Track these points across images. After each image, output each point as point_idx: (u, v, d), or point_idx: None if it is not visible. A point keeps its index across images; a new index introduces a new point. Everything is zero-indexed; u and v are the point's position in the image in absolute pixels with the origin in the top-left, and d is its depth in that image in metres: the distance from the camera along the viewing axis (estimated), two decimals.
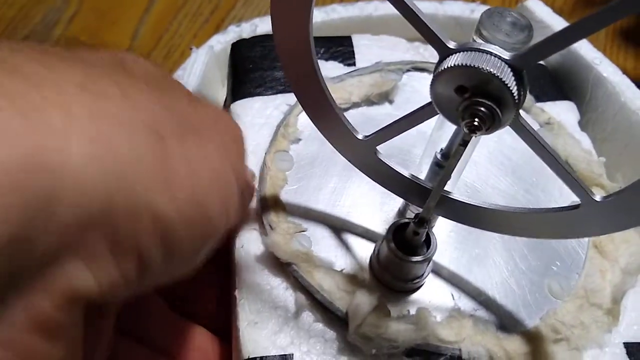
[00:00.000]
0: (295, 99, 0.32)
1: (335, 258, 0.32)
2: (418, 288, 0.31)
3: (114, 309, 0.22)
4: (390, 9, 0.49)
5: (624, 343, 0.32)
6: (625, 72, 0.41)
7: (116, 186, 0.16)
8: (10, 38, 0.49)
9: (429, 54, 0.42)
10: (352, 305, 0.29)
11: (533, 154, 0.37)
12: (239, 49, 0.41)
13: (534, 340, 0.30)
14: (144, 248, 0.17)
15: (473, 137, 0.24)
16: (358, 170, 0.34)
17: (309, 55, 0.26)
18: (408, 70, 0.39)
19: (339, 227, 0.33)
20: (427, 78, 0.39)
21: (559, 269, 0.33)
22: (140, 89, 0.18)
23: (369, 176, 0.30)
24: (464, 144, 0.25)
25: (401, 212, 0.33)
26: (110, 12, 0.52)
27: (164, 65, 0.50)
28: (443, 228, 0.33)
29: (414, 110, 0.26)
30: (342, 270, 0.31)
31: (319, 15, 0.45)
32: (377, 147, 0.29)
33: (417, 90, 0.39)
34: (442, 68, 0.23)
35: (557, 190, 0.36)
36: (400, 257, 0.29)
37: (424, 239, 0.30)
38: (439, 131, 0.30)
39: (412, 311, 0.30)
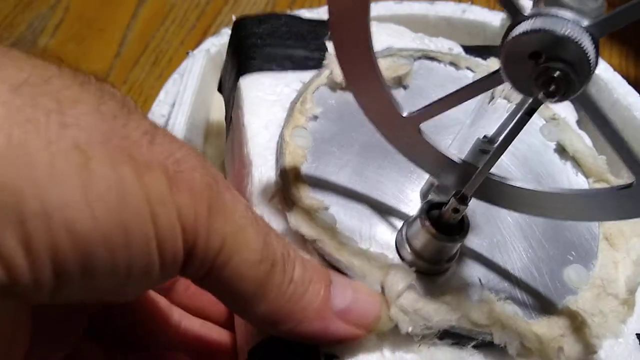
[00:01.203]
0: (310, 76, 0.31)
1: (359, 237, 0.30)
2: (446, 271, 0.30)
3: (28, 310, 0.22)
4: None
5: (637, 334, 0.32)
6: None
7: (27, 187, 0.17)
8: None
9: (434, 46, 0.42)
10: (387, 280, 0.28)
11: (540, 147, 0.37)
12: (245, 25, 0.39)
13: (559, 326, 0.30)
14: (58, 257, 0.18)
15: (545, 105, 0.24)
16: (377, 149, 0.33)
17: (364, 22, 0.25)
18: (419, 58, 0.39)
19: (361, 206, 0.31)
20: (438, 67, 0.39)
21: (575, 258, 0.33)
22: (86, 111, 0.19)
23: (405, 154, 0.29)
24: (530, 112, 0.24)
25: (424, 193, 0.33)
26: (96, 20, 0.52)
27: (152, 72, 0.49)
28: (470, 214, 0.33)
29: (471, 83, 0.26)
30: (368, 249, 0.29)
31: None
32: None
33: (429, 78, 0.38)
34: (519, 32, 0.22)
35: (565, 180, 0.36)
36: (437, 237, 0.28)
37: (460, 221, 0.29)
38: (470, 128, 0.30)
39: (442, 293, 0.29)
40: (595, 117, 0.24)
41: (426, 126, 0.27)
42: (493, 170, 0.26)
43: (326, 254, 0.29)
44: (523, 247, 0.33)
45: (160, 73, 0.48)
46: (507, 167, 0.36)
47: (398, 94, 0.37)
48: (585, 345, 0.30)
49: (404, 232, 0.30)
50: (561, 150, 0.37)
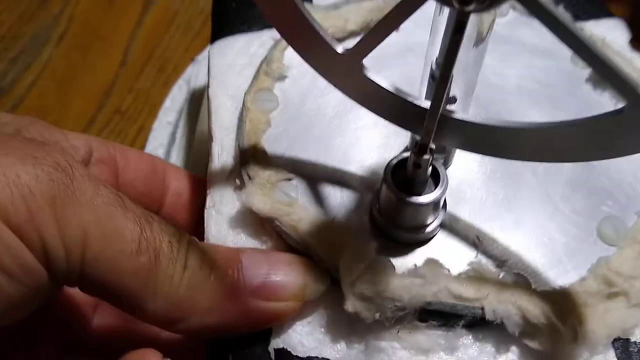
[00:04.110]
0: None
1: (328, 209, 0.26)
2: (428, 239, 0.25)
3: None
4: None
5: None
6: None
7: None
8: None
9: None
10: (344, 258, 0.23)
11: (572, 78, 0.30)
12: None
13: (580, 296, 0.24)
14: None
15: (470, 19, 0.18)
16: (352, 113, 0.28)
17: None
18: None
19: (332, 174, 0.27)
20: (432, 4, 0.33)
21: (612, 209, 0.26)
22: None
23: (359, 102, 0.24)
24: (459, 29, 0.19)
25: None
26: (100, 28, 0.51)
27: (157, 79, 0.48)
28: (463, 167, 0.27)
29: (398, 3, 0.21)
30: (333, 220, 0.25)
31: None
32: (366, 64, 0.23)
33: (422, 14, 0.32)
34: None
35: None
36: (400, 198, 0.23)
37: (429, 174, 0.24)
38: (432, 47, 0.24)
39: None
40: (554, 26, 0.18)
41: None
42: (500, 113, 0.21)
43: (283, 233, 0.25)
44: (541, 202, 0.26)
45: (166, 80, 0.47)
46: (525, 107, 0.30)
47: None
48: (620, 318, 0.24)
49: (375, 198, 0.25)
50: (596, 80, 0.30)
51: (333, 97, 0.29)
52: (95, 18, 0.51)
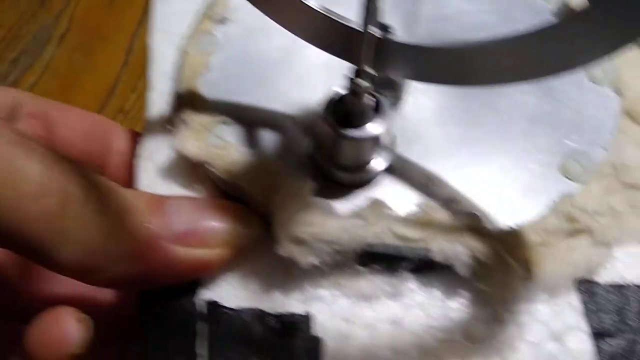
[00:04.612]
0: None
1: (266, 152, 0.24)
2: (372, 180, 0.23)
3: None
4: None
5: None
6: None
7: None
8: (0, 58, 0.48)
9: None
10: (278, 199, 0.21)
11: (537, 12, 0.28)
12: None
13: (540, 234, 0.21)
14: None
15: None
16: (299, 54, 0.26)
17: None
18: None
19: (272, 117, 0.25)
20: None
21: (578, 143, 0.24)
22: None
23: (292, 31, 0.22)
24: None
25: None
26: (102, 28, 0.50)
27: None
28: (417, 104, 0.25)
29: None
30: (269, 162, 0.23)
31: None
32: None
33: None
34: None
35: None
36: (337, 132, 0.21)
37: (375, 109, 0.22)
38: None
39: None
40: None
41: None
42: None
43: (216, 179, 0.23)
44: (501, 138, 0.24)
45: None
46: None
47: None
48: (584, 256, 0.21)
49: (315, 138, 0.23)
50: (562, 12, 0.27)
51: (279, 40, 0.27)
52: (96, 18, 0.50)
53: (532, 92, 0.25)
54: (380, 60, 0.21)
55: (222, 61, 0.27)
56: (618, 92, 0.25)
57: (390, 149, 0.23)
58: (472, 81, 0.20)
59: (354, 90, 0.21)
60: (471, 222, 0.21)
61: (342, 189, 0.23)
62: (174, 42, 0.28)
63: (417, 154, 0.24)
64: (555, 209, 0.22)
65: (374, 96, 0.22)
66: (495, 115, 0.25)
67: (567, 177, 0.23)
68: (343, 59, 0.22)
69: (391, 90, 0.24)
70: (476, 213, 0.22)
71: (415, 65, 0.21)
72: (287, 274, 0.22)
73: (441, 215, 0.21)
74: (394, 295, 0.21)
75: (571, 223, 0.22)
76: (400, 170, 0.23)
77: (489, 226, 0.21)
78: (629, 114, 0.24)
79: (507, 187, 0.23)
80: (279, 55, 0.27)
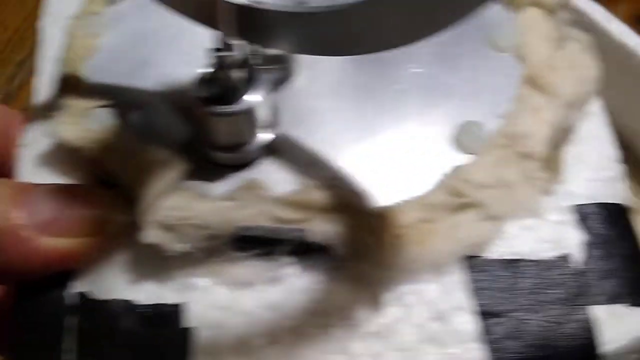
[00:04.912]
0: None
1: (147, 134, 0.23)
2: (252, 159, 0.22)
3: None
4: None
5: (573, 206, 0.22)
6: None
7: None
8: (5, 62, 0.47)
9: None
10: (144, 182, 0.20)
11: None
12: None
13: (424, 209, 0.20)
14: None
15: None
16: (193, 31, 0.25)
17: None
18: None
19: (154, 97, 0.24)
20: None
21: (473, 113, 0.23)
22: None
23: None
24: None
25: None
26: None
27: None
28: (306, 80, 0.24)
29: None
30: (144, 145, 0.22)
31: None
32: None
33: None
34: None
35: None
36: (205, 109, 0.20)
37: (245, 81, 0.20)
38: None
39: None
40: None
41: None
42: None
43: (92, 164, 0.22)
44: (392, 113, 0.23)
45: None
46: None
47: None
48: (470, 232, 0.20)
49: (190, 117, 0.22)
50: None
51: (171, 19, 0.25)
52: None
53: (429, 63, 0.24)
54: (250, 31, 0.19)
55: (111, 42, 0.25)
56: (521, 58, 0.24)
57: (272, 126, 0.22)
58: (355, 48, 0.19)
59: (220, 64, 0.20)
60: (351, 201, 0.20)
61: (222, 170, 0.22)
62: (62, 24, 0.27)
63: (305, 131, 0.22)
64: (442, 183, 0.21)
65: (248, 69, 0.20)
66: (390, 89, 0.23)
67: (460, 150, 0.22)
68: (210, 29, 0.20)
69: (280, 64, 0.23)
70: (357, 191, 0.20)
71: (291, 35, 0.19)
72: (161, 262, 0.21)
73: (319, 195, 0.20)
74: (275, 280, 0.20)
75: (458, 197, 0.21)
76: (284, 149, 0.22)
77: (368, 204, 0.20)
78: (530, 81, 0.23)
79: (397, 163, 0.22)
80: (170, 33, 0.25)
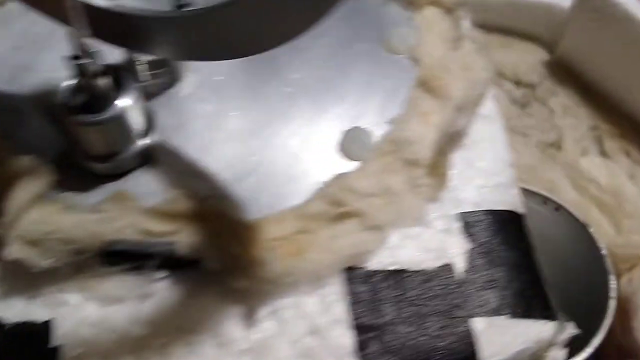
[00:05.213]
0: None
1: (19, 143, 0.22)
2: (127, 168, 0.21)
3: None
4: None
5: (460, 214, 0.21)
6: None
7: None
8: None
9: None
10: (9, 195, 0.19)
11: None
12: None
13: (300, 220, 0.20)
14: None
15: None
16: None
17: None
18: None
19: (27, 104, 0.23)
20: None
21: (363, 119, 0.22)
22: None
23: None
24: None
25: None
26: None
27: None
28: (193, 85, 0.23)
29: None
30: (15, 157, 0.21)
31: None
32: None
33: None
34: None
35: None
36: (71, 117, 0.19)
37: (110, 89, 0.20)
38: None
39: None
40: None
41: None
42: None
43: None
44: (281, 120, 0.22)
45: None
46: None
47: None
48: (350, 243, 0.20)
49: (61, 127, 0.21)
50: None
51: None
52: None
53: (321, 65, 0.23)
54: (113, 34, 0.19)
55: None
56: (415, 60, 0.23)
57: (149, 134, 0.21)
58: (220, 53, 0.18)
59: (82, 72, 0.19)
60: (223, 212, 0.19)
61: (96, 181, 0.21)
62: None
63: (185, 138, 0.22)
64: (322, 192, 0.20)
65: (114, 76, 0.19)
66: (279, 92, 0.23)
67: (345, 157, 0.21)
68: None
69: (165, 69, 0.22)
70: (230, 202, 0.20)
71: (151, 39, 0.19)
72: (30, 278, 0.20)
73: (190, 205, 0.20)
74: (145, 295, 0.20)
75: (338, 206, 0.20)
76: (160, 157, 0.21)
77: (240, 216, 0.19)
78: (423, 84, 0.23)
79: (277, 171, 0.21)
80: (57, 37, 0.24)
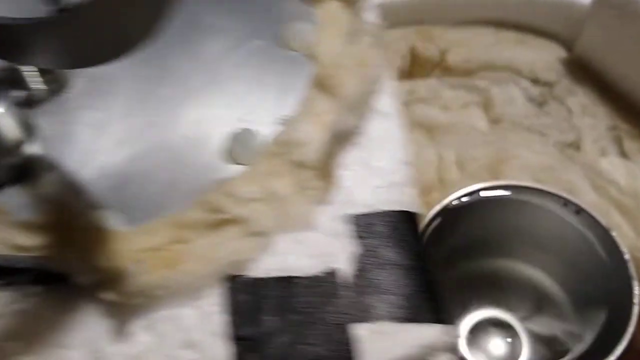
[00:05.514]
0: None
1: None
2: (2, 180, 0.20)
3: None
4: None
5: (350, 216, 0.20)
6: None
7: None
8: None
9: None
10: None
11: None
12: None
13: (174, 229, 0.19)
14: None
15: None
16: None
17: None
18: None
19: None
20: None
21: (253, 120, 0.21)
22: None
23: None
24: None
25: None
26: None
27: None
28: (84, 90, 0.22)
29: None
30: None
31: None
32: None
33: None
34: None
35: None
36: None
37: None
38: None
39: None
40: None
41: None
42: None
43: None
44: (167, 120, 0.21)
45: None
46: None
47: None
48: (229, 251, 0.19)
49: None
50: None
51: None
52: None
53: (214, 64, 0.22)
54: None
55: None
56: (312, 57, 0.22)
57: (29, 145, 0.20)
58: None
59: None
60: (92, 225, 0.19)
61: None
62: None
63: (65, 148, 0.21)
64: (201, 199, 0.19)
65: None
66: (167, 94, 0.22)
67: (230, 161, 0.20)
68: None
69: (50, 75, 0.22)
70: (100, 214, 0.19)
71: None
72: None
73: (61, 219, 0.19)
74: (18, 312, 0.19)
75: (217, 213, 0.19)
76: (41, 168, 0.20)
77: (110, 228, 0.19)
78: (318, 83, 0.22)
79: (156, 178, 0.20)
80: None
